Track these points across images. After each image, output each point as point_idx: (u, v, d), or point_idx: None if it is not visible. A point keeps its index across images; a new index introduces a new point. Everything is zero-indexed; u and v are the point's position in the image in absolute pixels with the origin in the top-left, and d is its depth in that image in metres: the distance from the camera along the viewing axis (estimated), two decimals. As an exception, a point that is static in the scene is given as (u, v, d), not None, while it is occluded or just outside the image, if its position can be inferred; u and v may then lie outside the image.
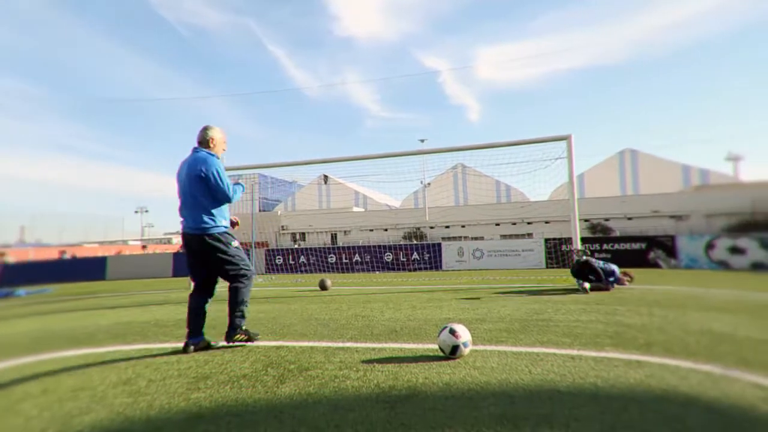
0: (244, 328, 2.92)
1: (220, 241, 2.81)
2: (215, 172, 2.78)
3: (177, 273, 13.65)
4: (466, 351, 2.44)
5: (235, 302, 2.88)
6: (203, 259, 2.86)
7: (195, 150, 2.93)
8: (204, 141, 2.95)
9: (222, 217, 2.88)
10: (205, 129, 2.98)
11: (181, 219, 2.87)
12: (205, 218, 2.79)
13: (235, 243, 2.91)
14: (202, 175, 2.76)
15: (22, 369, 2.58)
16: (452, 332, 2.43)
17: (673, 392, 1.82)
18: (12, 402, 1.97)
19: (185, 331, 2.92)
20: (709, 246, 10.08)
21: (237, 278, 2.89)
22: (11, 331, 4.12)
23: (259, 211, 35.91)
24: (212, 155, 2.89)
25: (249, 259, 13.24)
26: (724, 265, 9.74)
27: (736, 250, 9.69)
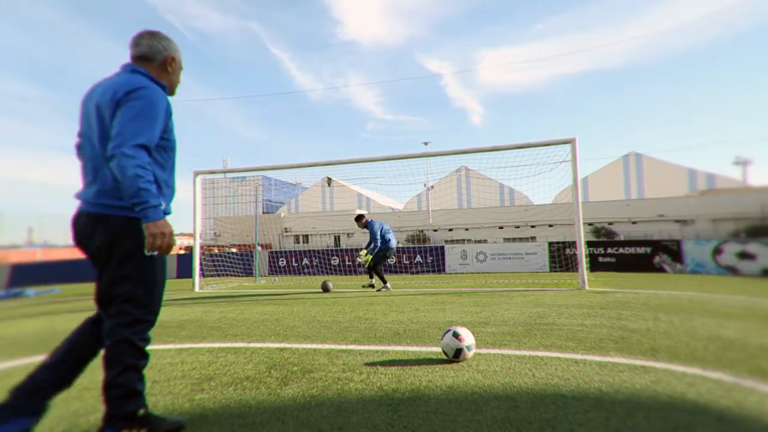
0: (141, 413, 1.52)
1: (131, 233, 1.50)
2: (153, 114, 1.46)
3: (181, 274, 13.72)
4: (469, 354, 2.43)
5: (117, 363, 1.53)
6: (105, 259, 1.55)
7: (130, 69, 1.58)
8: (149, 57, 1.61)
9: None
10: (152, 35, 1.63)
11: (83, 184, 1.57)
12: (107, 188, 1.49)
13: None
14: (113, 114, 1.45)
15: (29, 369, 2.60)
16: (456, 335, 2.43)
17: (680, 399, 1.80)
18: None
19: (190, 332, 2.88)
20: (717, 251, 9.97)
21: (124, 325, 1.52)
22: (20, 331, 4.16)
23: (263, 213, 36.10)
24: (158, 86, 1.57)
25: (252, 261, 13.20)
26: (732, 271, 9.63)
27: (745, 256, 9.57)
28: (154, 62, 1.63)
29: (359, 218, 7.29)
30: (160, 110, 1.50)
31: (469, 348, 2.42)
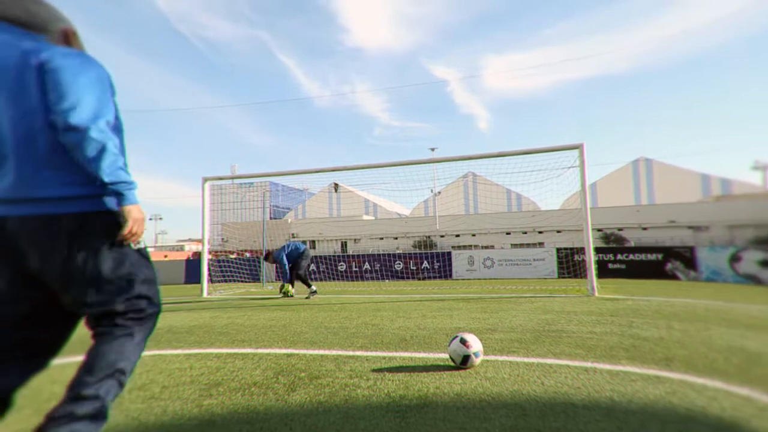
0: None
1: (92, 229, 1.22)
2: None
3: (189, 280, 13.85)
4: (477, 361, 2.41)
5: (101, 365, 1.22)
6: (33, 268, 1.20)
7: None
8: (39, 24, 1.24)
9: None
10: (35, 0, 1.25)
11: None
12: (62, 177, 1.19)
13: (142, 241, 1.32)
14: (40, 75, 1.14)
15: (49, 371, 2.64)
16: (463, 342, 2.41)
17: (700, 413, 1.73)
18: (41, 402, 2.02)
19: (198, 337, 2.90)
20: (735, 258, 9.66)
21: (118, 317, 1.29)
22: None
23: (270, 218, 36.38)
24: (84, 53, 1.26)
25: (259, 267, 13.37)
26: (753, 280, 9.30)
27: None
28: (53, 34, 1.28)
29: (267, 257, 8.02)
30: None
31: (476, 355, 2.40)
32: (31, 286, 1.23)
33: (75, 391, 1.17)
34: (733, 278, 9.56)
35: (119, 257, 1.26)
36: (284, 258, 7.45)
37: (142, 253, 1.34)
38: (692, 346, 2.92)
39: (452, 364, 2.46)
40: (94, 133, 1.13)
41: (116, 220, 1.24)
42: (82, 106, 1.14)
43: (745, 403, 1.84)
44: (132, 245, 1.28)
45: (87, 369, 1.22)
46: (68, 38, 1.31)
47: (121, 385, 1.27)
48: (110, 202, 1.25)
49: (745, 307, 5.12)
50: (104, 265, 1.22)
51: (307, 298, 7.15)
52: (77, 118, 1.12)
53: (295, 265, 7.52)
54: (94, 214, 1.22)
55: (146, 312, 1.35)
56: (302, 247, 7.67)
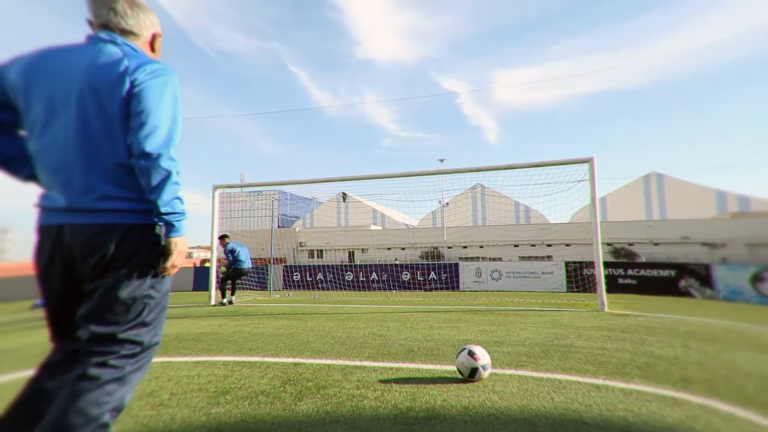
0: None
1: (142, 245, 1.22)
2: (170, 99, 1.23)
3: (197, 287, 13.95)
4: (485, 374, 2.38)
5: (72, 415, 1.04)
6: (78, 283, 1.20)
7: (108, 39, 1.24)
8: (134, 31, 1.31)
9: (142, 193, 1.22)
10: (134, 4, 1.31)
11: (45, 186, 1.23)
12: (114, 188, 1.19)
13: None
14: (130, 91, 1.17)
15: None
16: (471, 354, 2.39)
17: None
18: None
19: (206, 345, 2.91)
20: (758, 278, 9.31)
21: (107, 360, 1.14)
22: (42, 340, 4.30)
23: (278, 227, 36.62)
24: (163, 66, 1.25)
25: (267, 275, 13.46)
26: None
27: None
28: (139, 38, 1.31)
29: (222, 238, 8.22)
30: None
31: (484, 367, 2.37)
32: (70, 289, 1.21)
33: None
34: (757, 299, 9.23)
35: (145, 275, 1.21)
36: (231, 256, 7.92)
37: (165, 278, 1.29)
38: (713, 368, 2.81)
39: (460, 376, 2.43)
40: (163, 162, 1.16)
41: (159, 242, 1.25)
42: (158, 133, 1.17)
43: None
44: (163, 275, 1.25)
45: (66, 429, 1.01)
46: (153, 42, 1.38)
47: None
48: (146, 218, 1.25)
49: None
50: (130, 280, 1.18)
51: (221, 304, 7.79)
52: (152, 145, 1.15)
53: (231, 276, 8.02)
54: (140, 227, 1.22)
55: (145, 344, 1.22)
56: (247, 264, 8.15)
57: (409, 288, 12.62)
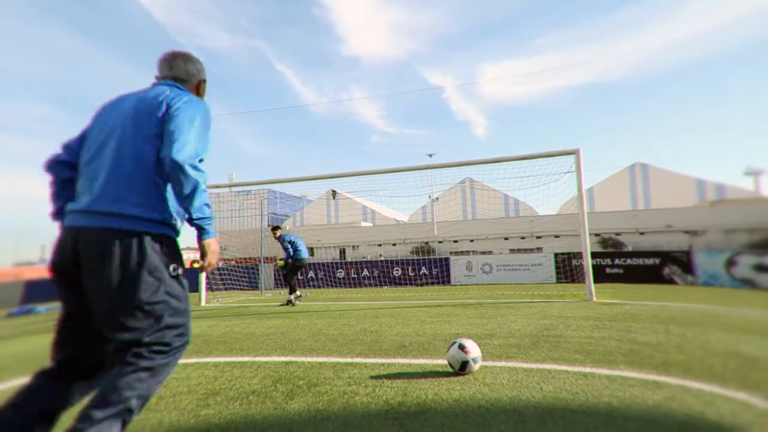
0: None
1: (155, 253, 1.30)
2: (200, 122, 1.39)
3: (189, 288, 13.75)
4: (475, 367, 2.41)
5: (112, 400, 1.18)
6: (97, 288, 1.26)
7: (163, 83, 1.54)
8: (185, 78, 1.60)
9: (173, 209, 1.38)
10: (187, 58, 1.62)
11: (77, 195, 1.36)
12: (134, 197, 1.30)
13: (179, 269, 1.39)
14: (166, 113, 1.35)
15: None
16: (461, 348, 2.41)
17: (699, 418, 1.72)
18: None
19: (195, 347, 2.89)
20: (731, 263, 9.70)
21: (141, 351, 1.25)
22: (30, 348, 4.20)
23: (268, 226, 36.29)
24: (198, 99, 1.49)
25: (258, 274, 13.21)
26: (749, 284, 9.32)
27: (763, 268, 9.27)
28: (188, 83, 1.62)
29: (275, 230, 7.77)
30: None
31: (475, 360, 2.40)
32: (108, 284, 1.25)
33: (78, 427, 1.13)
34: (730, 282, 9.60)
35: (159, 282, 1.29)
36: (290, 247, 7.42)
37: (181, 283, 1.39)
38: (690, 350, 2.93)
39: (451, 370, 2.45)
40: (192, 172, 1.29)
41: (174, 247, 1.38)
42: (187, 147, 1.31)
43: (743, 408, 1.84)
44: (172, 271, 1.35)
45: (97, 402, 1.18)
46: (199, 86, 1.67)
47: (125, 424, 1.21)
48: (170, 231, 1.38)
49: (742, 311, 5.15)
50: (144, 286, 1.26)
51: (288, 303, 7.32)
52: (182, 157, 1.28)
53: (292, 271, 7.53)
54: (156, 236, 1.32)
55: (173, 345, 1.32)
56: (305, 253, 7.65)
57: (401, 283, 12.67)
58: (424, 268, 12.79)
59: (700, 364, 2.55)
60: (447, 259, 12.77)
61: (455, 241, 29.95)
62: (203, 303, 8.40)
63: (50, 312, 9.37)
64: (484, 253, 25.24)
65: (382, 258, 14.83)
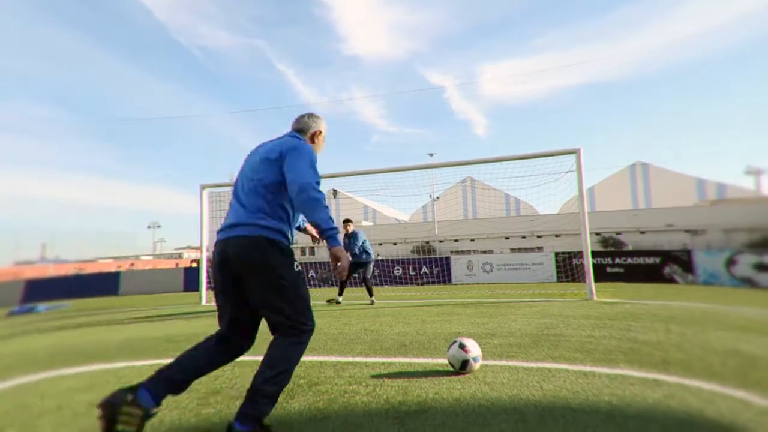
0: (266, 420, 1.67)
1: (283, 254, 1.71)
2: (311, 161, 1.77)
3: (188, 288, 13.78)
4: (476, 366, 2.41)
5: (277, 362, 1.67)
6: (246, 283, 1.70)
7: (291, 135, 2.01)
8: (304, 130, 2.06)
9: (292, 228, 1.86)
10: (310, 116, 2.11)
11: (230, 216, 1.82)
12: (268, 216, 1.72)
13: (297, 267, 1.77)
14: (283, 155, 1.77)
15: (39, 385, 2.63)
16: (462, 347, 2.41)
17: (699, 416, 1.73)
18: (30, 418, 2.01)
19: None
20: (731, 262, 9.70)
21: (289, 328, 1.70)
22: (31, 347, 4.21)
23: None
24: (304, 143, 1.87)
25: None
26: (749, 283, 9.34)
27: (763, 267, 9.27)
28: (306, 134, 2.08)
29: (347, 223, 7.12)
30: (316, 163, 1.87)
31: (475, 359, 2.40)
32: (235, 282, 1.72)
33: (258, 381, 1.62)
34: (730, 281, 9.59)
35: (293, 278, 1.71)
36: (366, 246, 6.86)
37: (303, 279, 1.79)
38: (689, 349, 2.93)
39: (451, 369, 2.46)
40: (313, 193, 1.65)
41: (287, 248, 1.76)
42: (304, 177, 1.68)
43: (742, 407, 1.84)
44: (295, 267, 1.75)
45: (268, 364, 1.66)
46: (314, 136, 2.08)
47: (288, 379, 1.69)
48: (284, 238, 1.76)
49: (741, 310, 5.14)
50: (284, 282, 1.68)
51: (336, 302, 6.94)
52: (302, 182, 1.65)
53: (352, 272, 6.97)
54: (276, 242, 1.70)
55: (307, 327, 1.75)
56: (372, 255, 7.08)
57: (402, 283, 12.68)
58: (424, 267, 12.79)
59: (700, 363, 2.55)
60: (448, 259, 12.78)
61: (456, 241, 29.96)
62: (204, 302, 8.42)
63: (50, 311, 9.36)
64: (484, 252, 25.24)
65: (383, 257, 14.83)
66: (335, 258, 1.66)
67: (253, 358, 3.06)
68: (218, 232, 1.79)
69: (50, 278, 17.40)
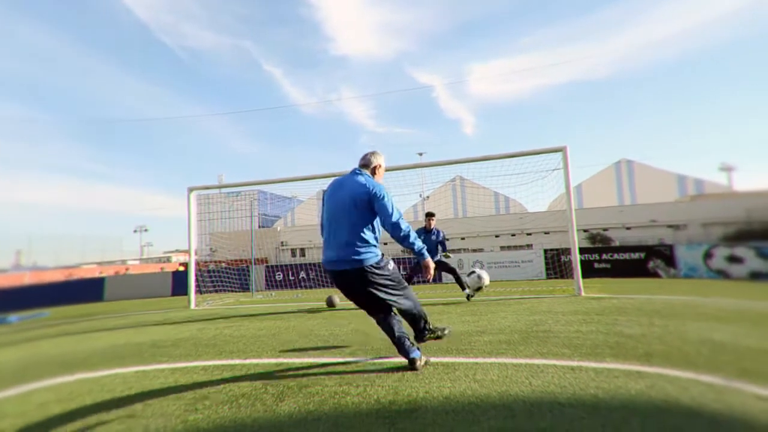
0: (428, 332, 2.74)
1: (378, 269, 2.47)
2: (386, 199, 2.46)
3: (176, 292, 13.54)
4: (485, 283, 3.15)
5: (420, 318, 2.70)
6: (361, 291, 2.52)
7: (356, 170, 2.65)
8: (368, 164, 2.67)
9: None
10: (372, 153, 2.73)
11: (329, 248, 2.50)
12: (361, 245, 2.44)
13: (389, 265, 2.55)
14: (371, 196, 2.43)
15: (5, 403, 2.54)
16: (479, 278, 3.26)
17: (674, 403, 1.81)
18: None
19: (184, 351, 2.93)
20: (708, 255, 10.07)
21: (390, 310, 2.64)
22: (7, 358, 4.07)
23: (259, 227, 35.91)
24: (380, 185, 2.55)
25: (249, 276, 12.87)
26: (723, 275, 9.70)
27: (734, 259, 9.66)
28: (369, 168, 2.69)
29: (430, 216, 6.72)
30: None
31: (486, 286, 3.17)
32: (361, 292, 2.51)
33: (417, 328, 2.73)
34: (707, 274, 9.92)
35: (392, 280, 2.52)
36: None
37: (394, 270, 2.57)
38: (670, 340, 3.02)
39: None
40: (404, 226, 2.44)
41: (380, 264, 2.48)
42: (393, 215, 2.43)
43: (708, 389, 1.97)
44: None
45: (410, 319, 2.70)
46: (375, 169, 2.71)
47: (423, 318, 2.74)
48: (375, 257, 2.47)
49: (716, 300, 5.31)
50: (384, 285, 2.49)
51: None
52: (393, 220, 2.42)
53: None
54: (374, 264, 2.45)
55: (404, 292, 2.62)
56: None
57: (393, 282, 12.67)
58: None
59: (678, 353, 2.65)
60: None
61: (446, 239, 30.06)
62: (193, 306, 8.28)
63: (25, 321, 8.84)
64: (475, 250, 25.43)
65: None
66: (425, 268, 2.53)
67: (242, 362, 3.02)
68: None
69: (25, 287, 16.83)
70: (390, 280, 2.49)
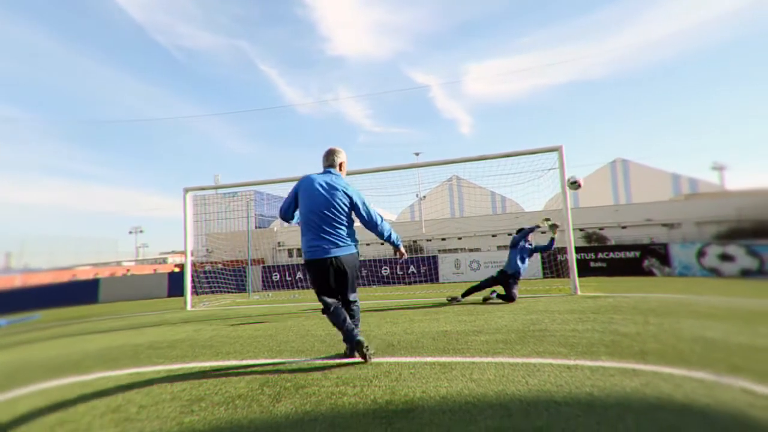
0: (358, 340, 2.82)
1: (355, 260, 2.97)
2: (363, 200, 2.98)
3: (172, 293, 13.47)
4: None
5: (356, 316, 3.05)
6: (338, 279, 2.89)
7: (328, 170, 3.03)
8: (335, 164, 3.04)
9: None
10: (336, 152, 3.08)
11: (312, 239, 2.83)
12: (345, 238, 2.87)
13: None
14: (349, 200, 2.89)
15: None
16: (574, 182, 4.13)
17: (668, 400, 1.83)
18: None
19: (180, 352, 2.94)
20: (701, 253, 10.19)
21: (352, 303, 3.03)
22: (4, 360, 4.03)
23: (255, 228, 35.76)
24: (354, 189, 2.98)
25: (245, 277, 12.74)
26: (715, 273, 9.81)
27: (725, 258, 9.79)
28: (335, 166, 3.06)
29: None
30: None
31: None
32: (337, 280, 2.87)
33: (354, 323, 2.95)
34: (700, 272, 10.03)
35: (356, 274, 2.97)
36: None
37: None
38: (664, 338, 3.05)
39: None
40: (381, 222, 2.98)
41: (357, 255, 2.99)
42: (371, 215, 2.96)
43: (700, 385, 1.99)
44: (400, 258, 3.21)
45: (351, 317, 2.95)
46: (341, 166, 3.09)
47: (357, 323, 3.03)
48: (354, 248, 2.96)
49: (708, 298, 5.37)
50: (352, 277, 2.93)
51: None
52: (372, 220, 2.97)
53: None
54: (354, 254, 2.93)
55: (357, 303, 3.06)
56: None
57: (389, 282, 12.68)
58: (412, 266, 12.83)
59: (672, 351, 2.68)
60: (435, 257, 12.85)
61: (443, 239, 30.16)
62: (189, 307, 8.24)
63: (15, 324, 8.62)
64: (472, 250, 25.50)
65: (371, 257, 14.81)
66: (400, 252, 3.15)
67: (238, 363, 3.01)
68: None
69: (16, 289, 16.62)
70: (357, 271, 2.99)
